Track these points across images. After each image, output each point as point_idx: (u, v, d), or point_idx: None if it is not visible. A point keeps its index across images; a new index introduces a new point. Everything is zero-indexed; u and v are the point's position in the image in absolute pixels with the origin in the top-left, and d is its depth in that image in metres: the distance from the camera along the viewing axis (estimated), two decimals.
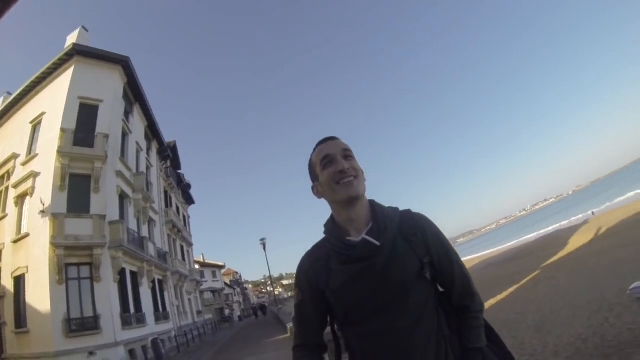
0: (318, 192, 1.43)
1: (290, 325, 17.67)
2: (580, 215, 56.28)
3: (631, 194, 56.13)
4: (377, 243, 1.30)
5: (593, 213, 52.29)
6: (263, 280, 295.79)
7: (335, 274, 1.30)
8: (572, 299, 12.93)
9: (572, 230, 39.81)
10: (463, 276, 1.53)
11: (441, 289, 1.54)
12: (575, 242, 28.51)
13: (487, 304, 16.74)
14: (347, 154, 1.35)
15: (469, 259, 61.18)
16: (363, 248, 1.30)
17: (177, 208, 39.66)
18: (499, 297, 17.66)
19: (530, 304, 14.48)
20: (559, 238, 36.40)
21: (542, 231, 57.79)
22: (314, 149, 1.42)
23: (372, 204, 1.41)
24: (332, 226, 1.39)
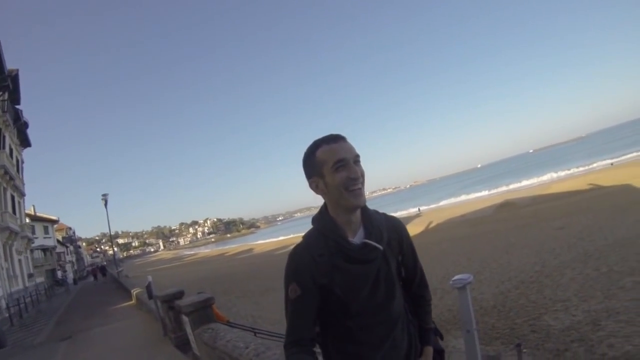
0: (319, 188, 1.39)
1: (136, 291, 16.79)
2: (412, 210, 62.98)
3: (462, 197, 64.87)
4: (380, 247, 1.40)
5: (419, 210, 60.11)
6: (97, 238, 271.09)
7: (340, 270, 1.35)
8: None
9: (405, 220, 45.10)
10: (421, 271, 1.63)
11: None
12: (409, 232, 32.95)
13: None
14: (358, 160, 1.37)
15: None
16: (367, 250, 1.38)
17: (11, 150, 33.50)
18: None
19: None
20: None
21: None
22: (319, 144, 1.37)
23: (364, 208, 1.45)
24: (332, 225, 1.38)
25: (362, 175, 1.34)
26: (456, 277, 5.58)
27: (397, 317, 1.45)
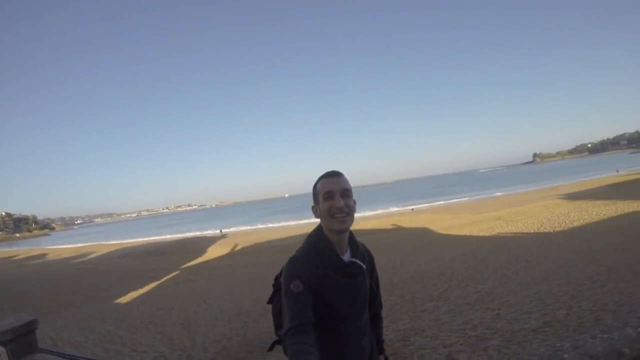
0: (316, 213, 1.70)
1: None
2: (217, 231, 63.51)
3: (269, 224, 67.46)
4: (364, 267, 1.71)
5: (221, 231, 60.32)
6: None
7: (331, 282, 1.59)
8: (214, 303, 14.61)
9: (210, 240, 44.22)
10: (379, 291, 1.95)
11: None
12: (214, 252, 32.11)
13: (129, 297, 16.43)
14: (346, 193, 1.63)
15: (108, 243, 57.80)
16: (354, 267, 1.67)
17: None
18: (141, 291, 17.74)
19: (173, 301, 15.35)
20: (199, 244, 39.75)
21: (184, 234, 62.37)
22: (321, 178, 1.69)
23: (351, 233, 1.75)
24: (327, 243, 1.65)
25: (348, 206, 1.60)
26: None
27: (365, 327, 1.75)
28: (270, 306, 1.91)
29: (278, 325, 1.80)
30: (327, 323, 1.60)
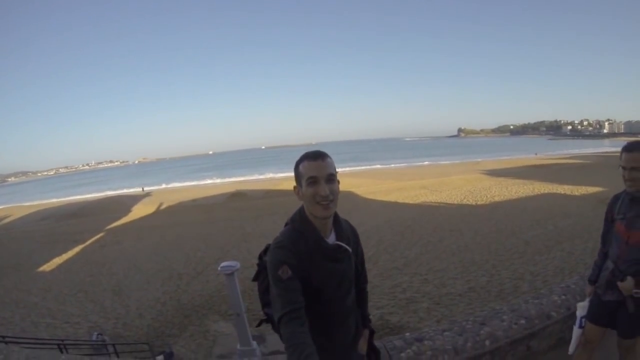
0: (298, 195, 1.61)
1: None
2: (140, 189, 59.97)
3: (194, 182, 65.73)
4: (350, 249, 1.67)
5: (143, 189, 57.17)
6: None
7: (317, 266, 1.57)
8: (143, 266, 14.16)
9: (134, 199, 41.94)
10: (364, 267, 1.90)
11: None
12: (139, 212, 30.68)
13: (53, 264, 15.45)
14: (331, 178, 1.55)
15: (24, 205, 52.94)
16: (340, 251, 1.63)
17: None
18: (65, 257, 16.63)
19: (101, 266, 14.60)
20: (123, 204, 37.67)
21: (106, 193, 58.29)
22: (303, 159, 1.60)
23: (335, 214, 1.67)
24: (311, 227, 1.60)
25: (332, 193, 1.53)
26: (223, 264, 5.61)
27: (351, 306, 1.74)
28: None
29: (265, 303, 1.76)
30: (313, 306, 1.57)
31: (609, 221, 2.30)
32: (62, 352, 4.69)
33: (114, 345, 6.83)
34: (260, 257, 1.77)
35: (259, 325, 1.91)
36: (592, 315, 2.33)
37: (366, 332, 1.90)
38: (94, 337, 7.24)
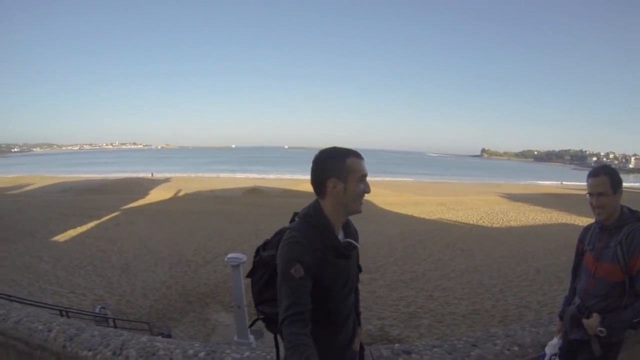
0: (335, 189, 1.55)
1: None
2: (167, 174, 61.38)
3: (214, 174, 66.11)
4: (358, 246, 1.68)
5: (152, 174, 57.89)
6: None
7: (330, 264, 1.54)
8: (154, 248, 14.41)
9: (153, 183, 42.82)
10: (359, 267, 1.85)
11: None
12: (157, 195, 31.27)
13: (67, 235, 15.83)
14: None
15: (46, 176, 54.36)
16: (350, 248, 1.62)
17: None
18: (79, 230, 17.02)
19: (113, 243, 14.92)
20: (141, 185, 38.62)
21: (126, 174, 59.29)
22: (348, 154, 1.58)
23: None
24: (328, 224, 1.58)
25: None
26: (231, 255, 5.70)
27: (352, 305, 1.75)
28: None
29: (259, 301, 1.71)
30: (320, 303, 1.55)
31: (580, 254, 2.19)
32: (62, 317, 4.81)
33: (114, 319, 6.98)
34: (258, 252, 1.70)
35: (251, 325, 1.85)
36: (561, 355, 2.15)
37: (359, 330, 1.88)
38: (97, 310, 7.43)
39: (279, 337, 1.60)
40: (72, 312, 6.31)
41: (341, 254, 1.58)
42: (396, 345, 2.17)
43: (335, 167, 1.55)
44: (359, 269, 1.82)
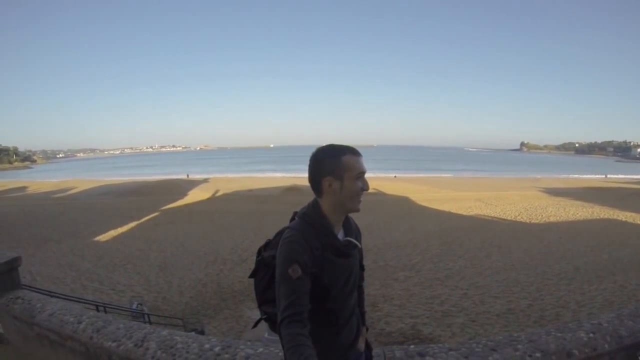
0: (331, 187, 1.53)
1: None
2: (185, 175, 62.57)
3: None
4: (359, 245, 1.67)
5: (188, 176, 59.68)
6: None
7: (329, 263, 1.53)
8: (191, 247, 14.83)
9: (192, 183, 44.10)
10: (363, 267, 1.85)
11: None
12: (195, 196, 32.04)
13: (108, 235, 16.52)
14: None
15: (89, 179, 57.14)
16: (350, 247, 1.61)
17: None
18: (120, 230, 17.76)
19: (152, 243, 15.49)
20: (180, 187, 39.53)
21: (165, 176, 61.22)
22: (344, 151, 1.56)
23: None
24: (326, 223, 1.57)
25: None
26: (265, 253, 5.63)
27: (355, 304, 1.73)
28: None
29: (261, 302, 1.70)
30: (321, 303, 1.56)
31: None
32: (98, 312, 5.03)
33: (149, 315, 7.23)
34: (260, 253, 1.70)
35: (255, 326, 1.85)
36: None
37: (364, 330, 1.86)
38: (134, 306, 7.72)
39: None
40: (110, 307, 6.57)
41: (341, 253, 1.57)
42: (411, 346, 2.13)
43: (331, 165, 1.53)
44: (362, 268, 1.82)
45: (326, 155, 1.56)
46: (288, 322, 1.39)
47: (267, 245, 1.67)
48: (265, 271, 1.65)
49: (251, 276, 1.73)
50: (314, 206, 1.59)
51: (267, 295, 1.63)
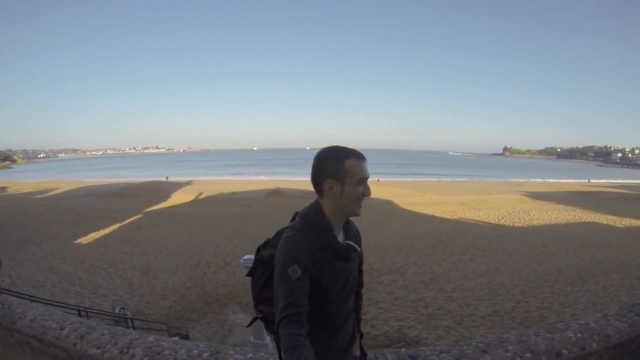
0: (332, 190, 1.53)
1: None
2: (164, 178, 61.47)
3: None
4: (359, 249, 1.67)
5: (167, 178, 58.75)
6: None
7: (328, 264, 1.52)
8: (174, 250, 14.64)
9: (176, 186, 43.73)
10: (362, 272, 1.83)
11: None
12: (178, 198, 31.72)
13: (90, 238, 16.21)
14: None
15: (71, 180, 56.03)
16: (350, 250, 1.60)
17: None
18: (102, 232, 17.40)
19: (134, 245, 15.23)
20: (163, 189, 39.19)
21: (148, 178, 60.41)
22: (348, 155, 1.54)
23: None
24: (327, 225, 1.56)
25: None
26: (246, 256, 5.64)
27: (352, 307, 1.72)
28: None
29: (258, 301, 1.69)
30: (319, 305, 1.54)
31: None
32: (80, 317, 4.92)
33: (132, 320, 7.10)
34: (258, 251, 1.69)
35: (250, 324, 1.85)
36: None
37: (359, 336, 1.84)
38: (117, 310, 7.58)
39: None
40: (92, 312, 6.44)
41: (340, 256, 1.56)
42: (403, 349, 2.13)
43: (334, 168, 1.52)
44: (361, 273, 1.79)
45: (329, 156, 1.55)
46: (286, 322, 1.38)
47: (266, 244, 1.65)
48: (263, 270, 1.63)
49: (249, 274, 1.70)
50: (316, 207, 1.58)
51: (264, 294, 1.62)
